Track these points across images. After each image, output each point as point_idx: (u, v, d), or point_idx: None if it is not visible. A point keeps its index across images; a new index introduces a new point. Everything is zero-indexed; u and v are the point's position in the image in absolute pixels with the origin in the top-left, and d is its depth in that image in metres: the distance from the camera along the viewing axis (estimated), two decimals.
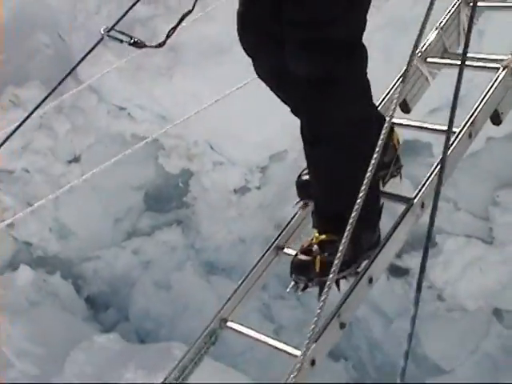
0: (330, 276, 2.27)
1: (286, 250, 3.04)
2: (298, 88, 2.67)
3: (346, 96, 2.66)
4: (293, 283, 2.80)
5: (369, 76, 2.74)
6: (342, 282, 2.82)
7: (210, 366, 3.24)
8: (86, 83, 6.74)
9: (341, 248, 2.28)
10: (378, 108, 3.18)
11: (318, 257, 2.73)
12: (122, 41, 2.73)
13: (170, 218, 8.62)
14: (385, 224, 2.90)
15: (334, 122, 2.71)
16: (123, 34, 2.79)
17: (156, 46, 2.76)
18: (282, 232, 3.09)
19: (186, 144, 8.13)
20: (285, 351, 2.74)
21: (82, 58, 3.18)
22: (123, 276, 8.44)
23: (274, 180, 8.32)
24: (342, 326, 2.66)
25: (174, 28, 2.76)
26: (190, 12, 2.76)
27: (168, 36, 2.75)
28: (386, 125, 2.36)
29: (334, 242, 2.63)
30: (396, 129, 3.07)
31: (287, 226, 3.12)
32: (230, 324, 2.92)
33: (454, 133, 2.94)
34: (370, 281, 2.74)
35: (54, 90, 3.87)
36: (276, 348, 2.78)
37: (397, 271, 7.58)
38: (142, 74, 7.71)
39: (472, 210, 7.84)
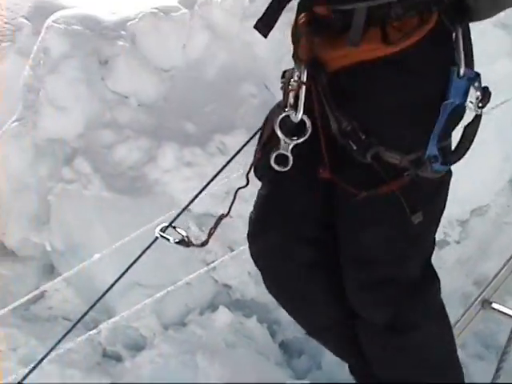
0: None
1: (493, 305, 2.94)
2: (368, 335, 2.53)
3: (425, 339, 2.43)
4: None
5: None
6: None
7: None
8: None
9: None
10: None
11: None
12: (168, 240, 2.94)
13: None
14: None
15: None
16: (177, 231, 3.02)
17: (201, 245, 2.97)
18: (488, 285, 2.99)
19: None
20: None
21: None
22: None
23: (474, 235, 8.06)
24: None
25: (214, 228, 2.88)
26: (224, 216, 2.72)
27: (210, 234, 2.87)
28: None
29: None
30: None
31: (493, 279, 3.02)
32: None
33: None
34: None
35: (252, 136, 4.11)
36: None
37: None
38: None
39: None
